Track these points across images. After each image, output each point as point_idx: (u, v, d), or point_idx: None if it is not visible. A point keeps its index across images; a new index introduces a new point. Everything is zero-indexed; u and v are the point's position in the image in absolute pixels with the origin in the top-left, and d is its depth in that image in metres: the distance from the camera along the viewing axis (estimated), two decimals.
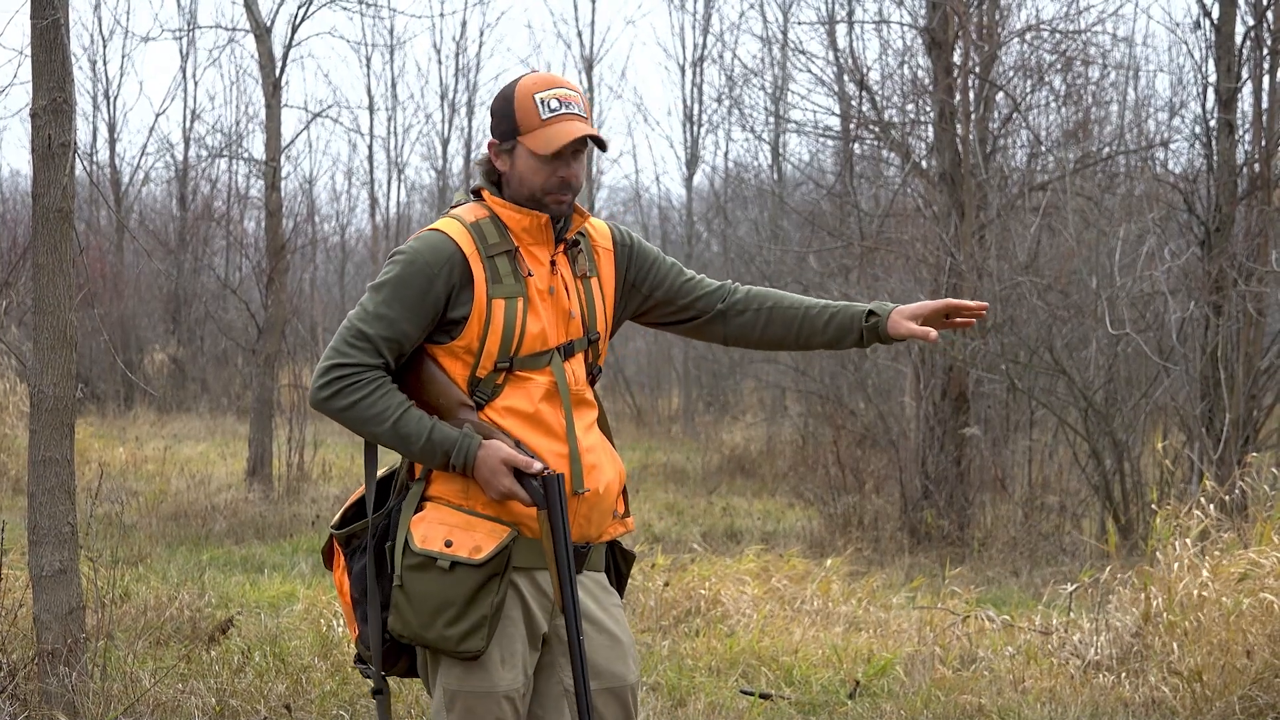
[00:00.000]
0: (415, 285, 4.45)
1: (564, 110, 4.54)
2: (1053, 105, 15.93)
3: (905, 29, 15.26)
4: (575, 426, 4.62)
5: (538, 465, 4.45)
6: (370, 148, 31.19)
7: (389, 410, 4.43)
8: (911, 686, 8.66)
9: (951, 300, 4.75)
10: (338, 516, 4.70)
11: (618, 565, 4.80)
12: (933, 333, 4.73)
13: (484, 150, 4.68)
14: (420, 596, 4.45)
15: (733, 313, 4.87)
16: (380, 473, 4.70)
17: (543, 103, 4.54)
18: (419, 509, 4.52)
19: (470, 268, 4.48)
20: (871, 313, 4.77)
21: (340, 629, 8.89)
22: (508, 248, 4.53)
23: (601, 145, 4.60)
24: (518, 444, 4.49)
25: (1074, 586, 10.16)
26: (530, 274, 4.55)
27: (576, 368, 4.66)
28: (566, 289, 4.63)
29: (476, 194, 4.66)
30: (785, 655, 9.17)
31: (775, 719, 8.34)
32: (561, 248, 4.63)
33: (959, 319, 4.76)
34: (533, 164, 4.54)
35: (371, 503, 4.59)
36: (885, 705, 8.31)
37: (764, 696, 8.45)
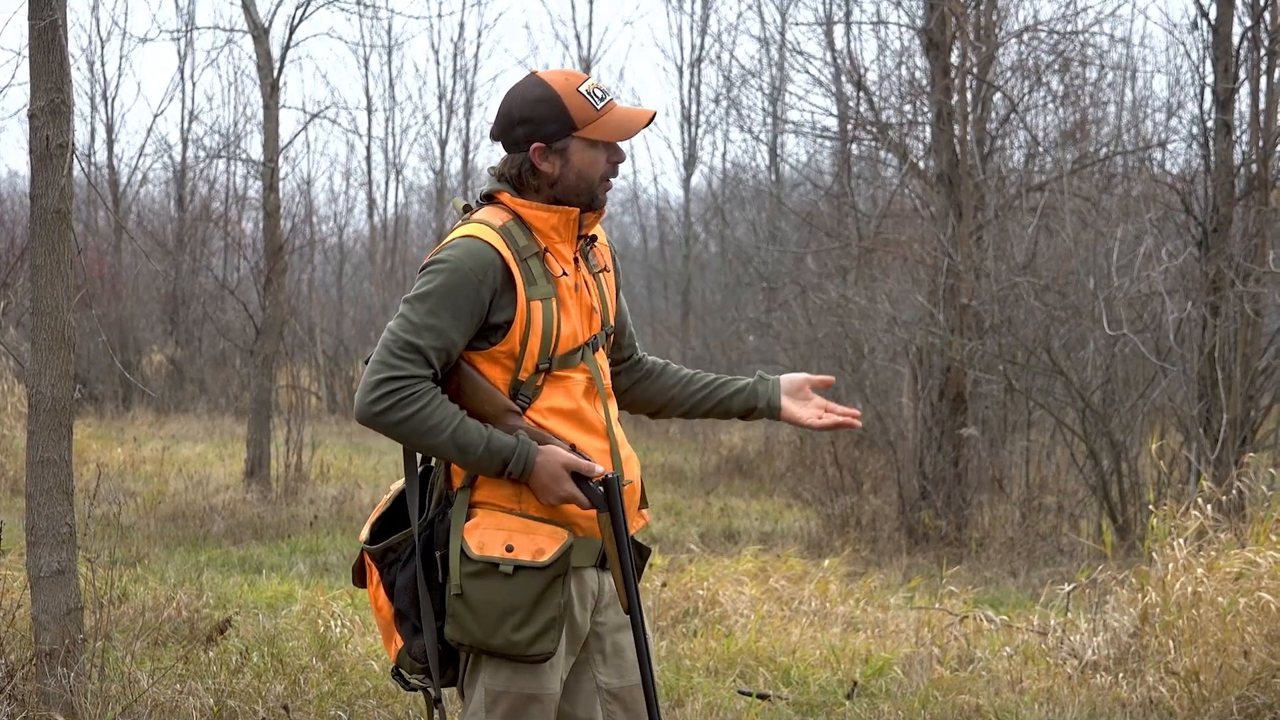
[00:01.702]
0: (461, 294, 4.47)
1: (609, 98, 4.62)
2: (1050, 106, 16.03)
3: (903, 29, 15.36)
4: (610, 421, 4.70)
5: (599, 469, 4.50)
6: (368, 148, 31.29)
7: (446, 421, 4.44)
8: (909, 687, 8.72)
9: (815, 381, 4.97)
10: (366, 531, 4.73)
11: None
12: (817, 423, 4.93)
13: (509, 158, 4.65)
14: (483, 604, 4.49)
15: (638, 368, 5.03)
16: (397, 485, 4.77)
17: (590, 94, 4.59)
18: (469, 516, 4.55)
19: (511, 271, 4.52)
20: (755, 393, 4.95)
21: (339, 629, 9.02)
22: (536, 249, 4.58)
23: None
24: (572, 447, 4.54)
25: (1071, 587, 10.24)
26: (564, 273, 4.62)
27: (602, 362, 4.74)
28: (586, 284, 4.70)
29: (488, 198, 4.68)
30: (783, 655, 9.24)
31: (776, 717, 8.39)
32: (579, 244, 4.70)
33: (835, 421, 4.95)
34: (592, 155, 4.58)
35: (416, 512, 4.60)
36: (883, 705, 8.37)
37: (762, 697, 8.49)
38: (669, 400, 5.03)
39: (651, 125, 4.73)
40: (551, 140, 4.55)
